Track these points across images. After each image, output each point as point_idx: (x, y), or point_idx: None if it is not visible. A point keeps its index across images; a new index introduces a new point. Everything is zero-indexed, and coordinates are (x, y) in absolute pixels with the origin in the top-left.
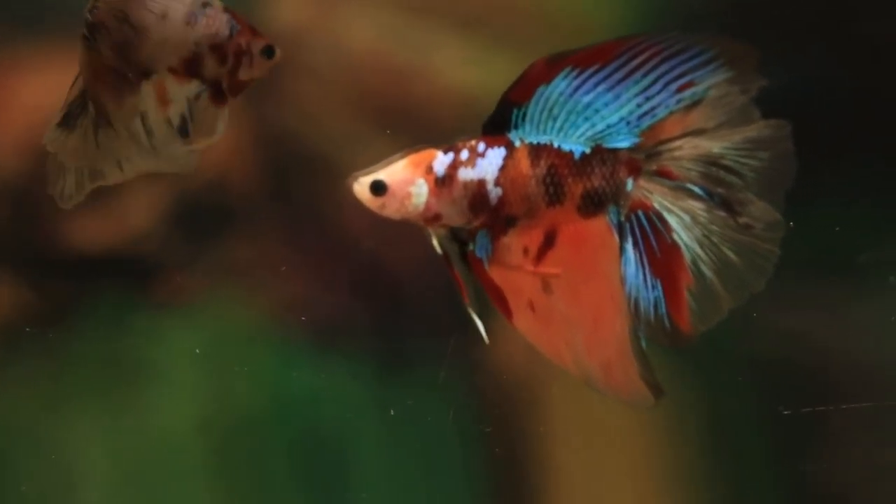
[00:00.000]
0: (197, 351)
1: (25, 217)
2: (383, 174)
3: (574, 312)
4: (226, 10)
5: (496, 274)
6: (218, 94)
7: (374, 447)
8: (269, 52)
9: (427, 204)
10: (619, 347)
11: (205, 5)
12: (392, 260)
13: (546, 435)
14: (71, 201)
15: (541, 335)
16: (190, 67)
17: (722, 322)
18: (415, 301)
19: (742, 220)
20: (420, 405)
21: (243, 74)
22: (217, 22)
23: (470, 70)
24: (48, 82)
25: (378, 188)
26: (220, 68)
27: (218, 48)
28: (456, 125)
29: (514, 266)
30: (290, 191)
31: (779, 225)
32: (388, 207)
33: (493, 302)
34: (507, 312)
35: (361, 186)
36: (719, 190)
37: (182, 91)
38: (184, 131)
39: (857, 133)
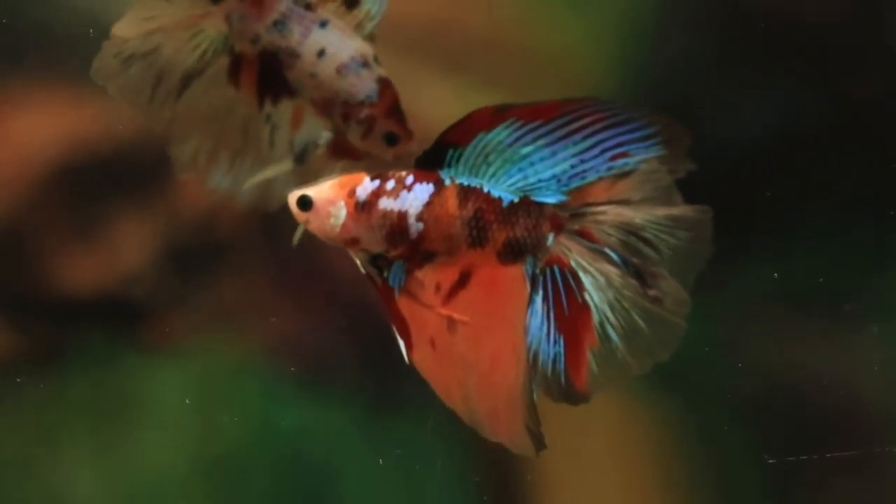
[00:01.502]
0: (187, 401)
1: (13, 256)
2: (312, 190)
3: (472, 355)
4: (380, 80)
5: (404, 306)
6: (335, 145)
7: (361, 486)
8: (390, 138)
9: (344, 226)
10: (510, 395)
11: (364, 65)
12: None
13: (535, 483)
14: (184, 171)
15: (436, 372)
16: (324, 108)
17: (709, 367)
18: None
19: (652, 292)
20: (408, 446)
21: (353, 139)
22: (361, 84)
23: (456, 108)
24: (36, 121)
25: (304, 204)
26: (341, 123)
27: (347, 106)
28: None
29: (423, 302)
30: (279, 230)
31: (685, 304)
32: (312, 224)
33: (397, 333)
34: (408, 345)
35: (293, 198)
36: (635, 260)
37: (316, 124)
38: (301, 159)
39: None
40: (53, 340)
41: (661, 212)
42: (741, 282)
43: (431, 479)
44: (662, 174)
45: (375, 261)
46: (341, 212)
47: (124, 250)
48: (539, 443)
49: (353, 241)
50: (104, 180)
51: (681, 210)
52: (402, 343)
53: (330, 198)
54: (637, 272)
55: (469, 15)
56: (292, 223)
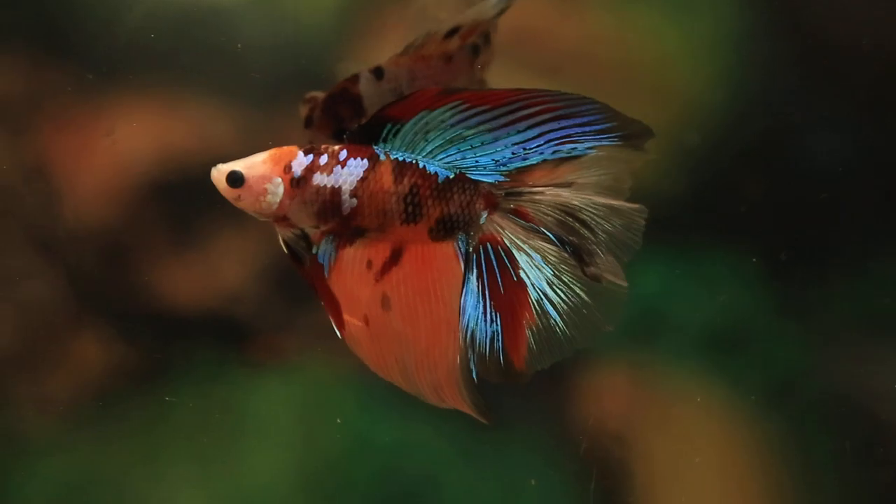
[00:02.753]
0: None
1: (115, 269)
2: (241, 165)
3: (408, 332)
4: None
5: (335, 282)
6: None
7: (457, 500)
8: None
9: (280, 203)
10: (450, 372)
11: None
12: None
13: (642, 495)
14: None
15: (370, 349)
16: None
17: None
18: None
19: (590, 270)
20: (504, 460)
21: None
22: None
23: None
24: (133, 132)
25: (235, 180)
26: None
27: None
28: None
29: (354, 278)
30: None
31: (621, 274)
32: (244, 201)
33: (327, 311)
34: (339, 323)
35: (219, 174)
36: (572, 238)
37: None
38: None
39: None
40: (159, 355)
41: (601, 200)
42: (836, 304)
43: (529, 488)
44: (613, 162)
45: (300, 238)
46: (279, 188)
47: (226, 266)
48: (485, 416)
49: (283, 218)
50: (202, 193)
51: (619, 203)
52: (332, 320)
53: (265, 174)
54: (574, 250)
55: (562, 25)
56: None
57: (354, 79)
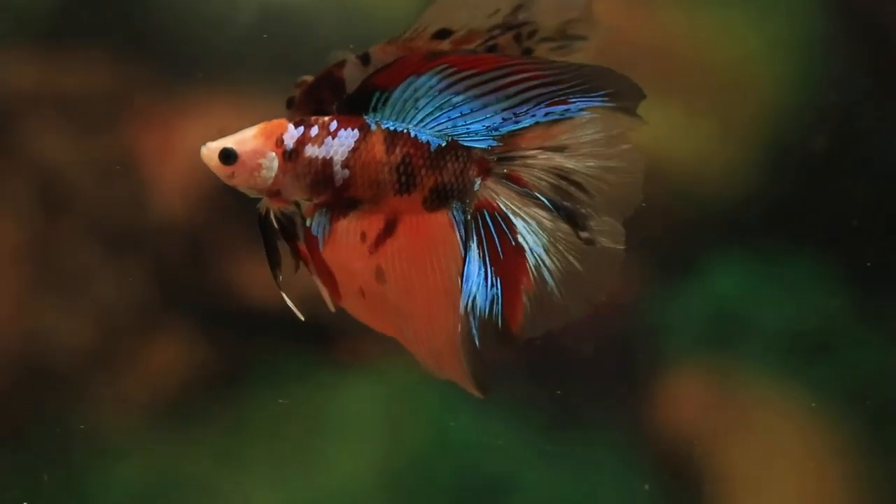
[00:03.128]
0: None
1: (197, 267)
2: (233, 142)
3: (406, 304)
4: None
5: (329, 255)
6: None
7: (536, 498)
8: None
9: (275, 178)
10: (451, 340)
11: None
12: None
13: (720, 500)
14: None
15: (371, 320)
16: None
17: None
18: (581, 356)
19: (584, 234)
20: (581, 459)
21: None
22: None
23: (670, 138)
24: (211, 126)
25: (228, 157)
26: None
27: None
28: (656, 194)
29: (349, 251)
30: None
31: (620, 236)
32: (237, 178)
33: (322, 283)
34: (337, 297)
35: (210, 152)
36: (566, 203)
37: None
38: None
39: None
40: (241, 354)
41: (593, 162)
42: None
43: (607, 487)
44: (606, 123)
45: (293, 213)
46: (273, 163)
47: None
48: (484, 389)
49: (276, 193)
50: None
51: (614, 162)
52: (325, 294)
53: (257, 149)
54: (568, 215)
55: (639, 25)
56: None
57: (342, 63)
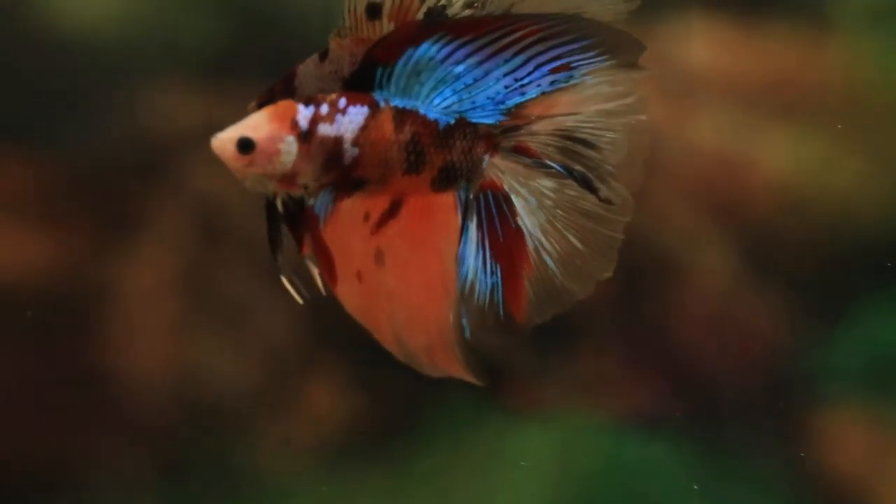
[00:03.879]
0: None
1: None
2: (247, 129)
3: (401, 289)
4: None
5: (329, 235)
6: None
7: None
8: None
9: (294, 162)
10: (443, 330)
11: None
12: (719, 357)
13: None
14: None
15: (363, 307)
16: None
17: None
18: (738, 395)
19: (602, 195)
20: (738, 496)
21: None
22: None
23: (788, 157)
24: None
25: (246, 146)
26: None
27: None
28: (808, 232)
29: (350, 231)
30: (636, 293)
31: (628, 205)
32: (255, 166)
33: (319, 264)
34: (332, 278)
35: (223, 143)
36: (577, 166)
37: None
38: None
39: None
40: (410, 396)
41: (598, 117)
42: None
43: None
44: (611, 84)
45: (301, 197)
46: (292, 147)
47: None
48: (479, 377)
49: (294, 176)
50: None
51: (613, 104)
52: (317, 275)
53: (273, 134)
54: (582, 177)
55: (796, 59)
56: (649, 285)
57: (302, 61)
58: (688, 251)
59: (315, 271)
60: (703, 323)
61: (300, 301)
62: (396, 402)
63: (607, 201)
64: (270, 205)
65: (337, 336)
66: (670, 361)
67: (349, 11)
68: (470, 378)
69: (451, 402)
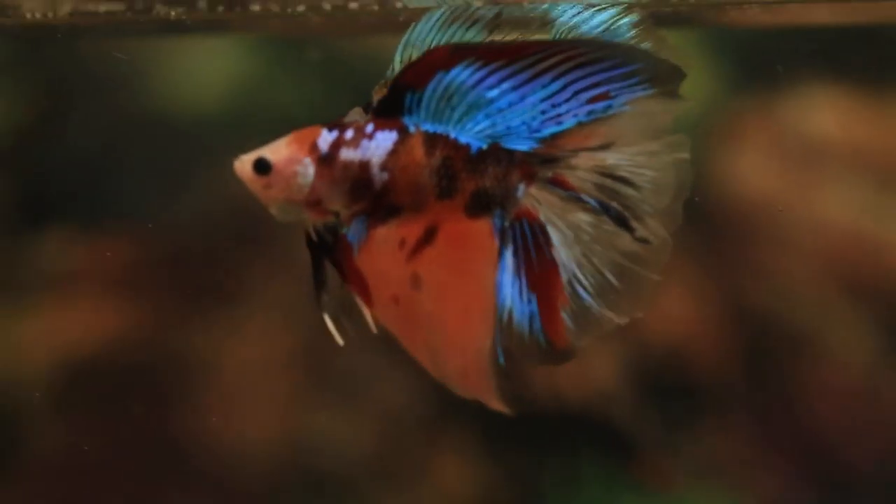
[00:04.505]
0: None
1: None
2: (266, 151)
3: (438, 312)
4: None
5: (364, 262)
6: None
7: None
8: None
9: (312, 186)
10: (479, 355)
11: None
12: (856, 439)
13: None
14: None
15: (402, 330)
16: None
17: None
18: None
19: (638, 234)
20: None
21: None
22: None
23: None
24: None
25: (262, 167)
26: None
27: None
28: None
29: (385, 258)
30: (766, 373)
31: (666, 245)
32: (273, 189)
33: (354, 290)
34: (368, 303)
35: (243, 164)
36: (614, 204)
37: None
38: None
39: None
40: (536, 471)
41: (638, 153)
42: None
43: None
44: (652, 116)
45: (334, 225)
46: (308, 170)
47: (593, 369)
48: (510, 405)
49: (317, 202)
50: None
51: (659, 150)
52: (367, 312)
53: (291, 156)
54: (618, 216)
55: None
56: (779, 364)
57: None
58: (820, 327)
59: (365, 308)
60: (838, 402)
61: (340, 342)
62: (527, 477)
63: (643, 240)
64: (310, 239)
65: (465, 406)
66: (804, 442)
67: (400, 62)
68: (498, 406)
69: (583, 478)
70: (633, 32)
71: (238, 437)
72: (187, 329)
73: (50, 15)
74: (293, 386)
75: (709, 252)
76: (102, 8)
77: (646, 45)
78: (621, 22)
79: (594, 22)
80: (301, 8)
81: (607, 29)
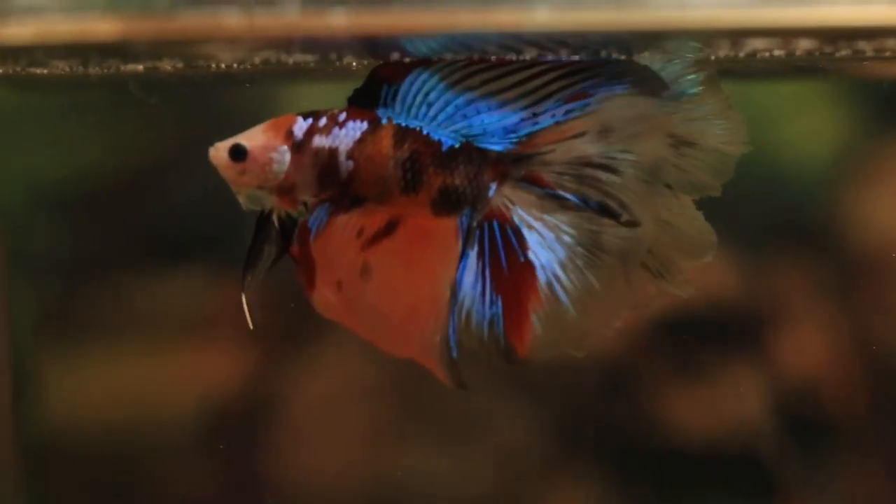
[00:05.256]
0: None
1: (612, 404)
2: (242, 138)
3: (386, 305)
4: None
5: (318, 247)
6: None
7: None
8: None
9: (287, 173)
10: (424, 347)
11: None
12: None
13: None
14: None
15: (341, 315)
16: None
17: None
18: None
19: (624, 218)
20: None
21: None
22: None
23: None
24: None
25: (238, 153)
26: None
27: None
28: None
29: (339, 243)
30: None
31: (647, 231)
32: (248, 175)
33: (299, 271)
34: (310, 286)
35: (218, 152)
36: (594, 193)
37: None
38: None
39: None
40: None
41: (616, 139)
42: None
43: None
44: (628, 109)
45: (299, 214)
46: (285, 157)
47: (731, 402)
48: (457, 386)
49: (289, 190)
50: (711, 326)
51: (635, 127)
52: (303, 282)
53: (266, 143)
54: (600, 205)
55: None
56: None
57: None
58: None
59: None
60: None
61: (251, 326)
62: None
63: (630, 224)
64: (262, 220)
65: (581, 440)
66: None
67: None
68: (446, 381)
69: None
70: (698, 89)
71: (336, 470)
72: (297, 368)
73: (237, 66)
74: (387, 420)
75: (844, 291)
76: (292, 60)
77: (711, 103)
78: (688, 77)
79: (663, 74)
80: None
81: (673, 81)
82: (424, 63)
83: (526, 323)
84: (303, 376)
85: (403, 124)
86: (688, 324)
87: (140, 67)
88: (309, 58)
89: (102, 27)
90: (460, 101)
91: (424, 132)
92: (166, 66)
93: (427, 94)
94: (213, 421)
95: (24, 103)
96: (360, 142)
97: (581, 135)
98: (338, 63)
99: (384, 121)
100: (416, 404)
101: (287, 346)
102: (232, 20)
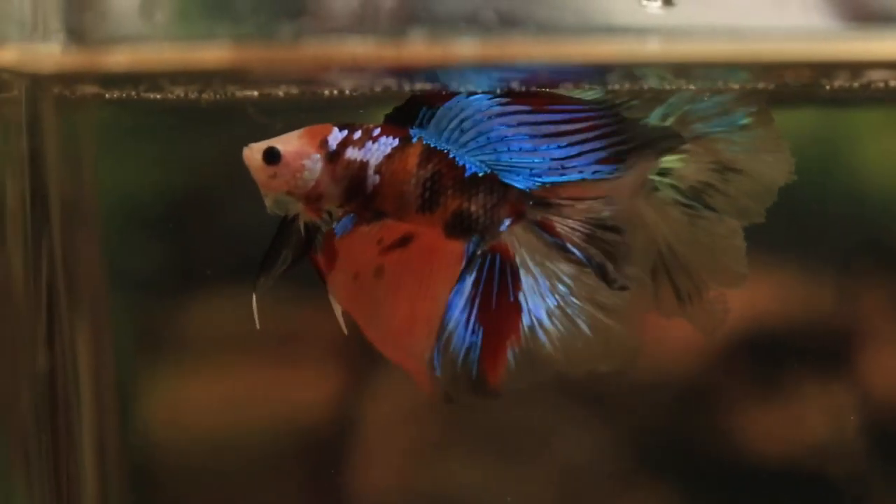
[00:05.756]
0: None
1: (684, 424)
2: (277, 142)
3: (388, 307)
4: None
5: (340, 245)
6: None
7: None
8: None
9: (317, 181)
10: (413, 360)
11: None
12: None
13: None
14: None
15: (349, 302)
16: None
17: None
18: None
19: (616, 285)
20: None
21: None
22: None
23: None
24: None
25: (272, 156)
26: None
27: None
28: None
29: (360, 244)
30: None
31: (645, 296)
32: (279, 179)
33: (321, 262)
34: (329, 267)
35: (252, 153)
36: (596, 255)
37: None
38: None
39: None
40: None
41: (626, 196)
42: None
43: None
44: (651, 172)
45: (324, 222)
46: (316, 164)
47: (811, 420)
48: (448, 399)
49: (318, 198)
50: (792, 345)
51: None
52: (321, 269)
53: (300, 149)
54: (599, 267)
55: None
56: None
57: None
58: None
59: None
60: None
61: (258, 326)
62: None
63: (622, 288)
64: (284, 224)
65: (651, 460)
66: None
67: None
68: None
69: None
70: (749, 120)
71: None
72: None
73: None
74: (439, 437)
75: None
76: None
77: (760, 133)
78: (737, 109)
79: (709, 103)
80: None
81: (723, 112)
82: (467, 92)
83: (501, 357)
84: (378, 394)
85: (433, 145)
86: (768, 342)
87: (255, 93)
88: (428, 86)
89: (224, 55)
90: (493, 134)
91: (451, 156)
92: (279, 91)
93: (462, 121)
94: (301, 437)
95: (137, 125)
96: (389, 157)
97: (602, 197)
98: (461, 91)
99: (414, 139)
100: (482, 419)
101: (365, 364)
102: (359, 49)
